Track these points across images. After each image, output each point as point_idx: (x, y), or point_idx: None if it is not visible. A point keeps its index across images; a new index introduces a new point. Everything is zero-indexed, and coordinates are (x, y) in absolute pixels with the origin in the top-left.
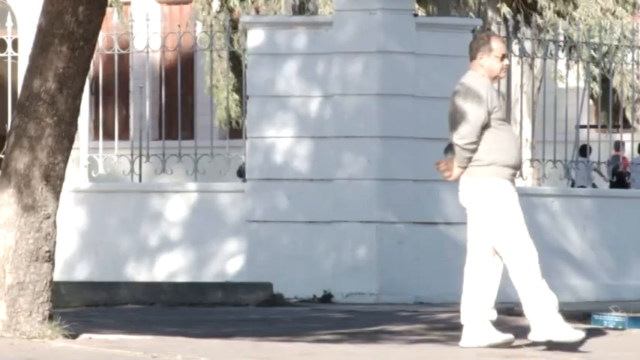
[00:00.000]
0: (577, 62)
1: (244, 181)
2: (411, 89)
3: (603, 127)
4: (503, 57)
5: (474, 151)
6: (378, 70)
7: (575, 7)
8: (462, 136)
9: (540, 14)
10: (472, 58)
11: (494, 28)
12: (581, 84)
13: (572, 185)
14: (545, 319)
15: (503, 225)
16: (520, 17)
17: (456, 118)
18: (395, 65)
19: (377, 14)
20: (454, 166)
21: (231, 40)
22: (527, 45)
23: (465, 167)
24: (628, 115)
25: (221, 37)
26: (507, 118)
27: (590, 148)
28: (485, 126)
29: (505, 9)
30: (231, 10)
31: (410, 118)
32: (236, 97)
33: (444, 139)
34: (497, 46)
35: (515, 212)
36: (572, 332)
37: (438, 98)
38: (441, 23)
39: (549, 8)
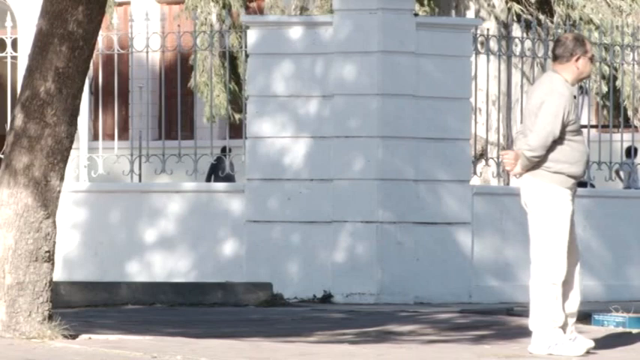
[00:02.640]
0: None
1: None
2: (411, 89)
3: (604, 127)
4: (592, 58)
5: (540, 162)
6: (378, 70)
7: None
8: (531, 148)
9: (545, 14)
10: (564, 59)
11: (494, 27)
12: (581, 83)
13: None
14: (547, 335)
15: (548, 233)
16: (520, 17)
17: (531, 123)
18: (395, 65)
19: (377, 14)
20: (519, 164)
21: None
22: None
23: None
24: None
25: (213, 36)
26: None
27: (636, 149)
28: (558, 138)
29: (516, 7)
30: (223, 7)
31: (410, 118)
32: (225, 95)
33: (444, 139)
34: (590, 47)
35: (564, 226)
36: (573, 348)
37: (438, 98)
38: (441, 23)
39: (558, 4)
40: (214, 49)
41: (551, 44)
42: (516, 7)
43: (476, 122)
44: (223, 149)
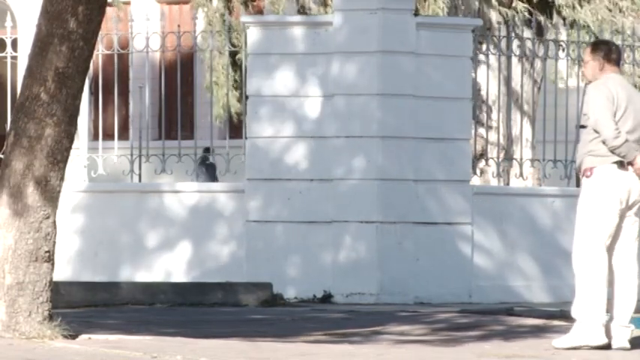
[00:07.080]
0: (578, 62)
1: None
2: (411, 89)
3: None
4: None
5: None
6: (378, 70)
7: (581, 6)
8: None
9: (542, 14)
10: (619, 63)
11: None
12: (582, 84)
13: None
14: None
15: None
16: (520, 17)
17: None
18: (395, 65)
19: (377, 14)
20: None
21: (230, 40)
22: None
23: None
24: None
25: (222, 34)
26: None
27: None
28: None
29: (521, 5)
30: (230, 11)
31: (410, 118)
32: (236, 93)
33: (444, 139)
34: None
35: None
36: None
37: (438, 98)
38: (441, 23)
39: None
40: (219, 48)
41: (551, 44)
42: (520, 5)
43: (476, 122)
44: (206, 149)
